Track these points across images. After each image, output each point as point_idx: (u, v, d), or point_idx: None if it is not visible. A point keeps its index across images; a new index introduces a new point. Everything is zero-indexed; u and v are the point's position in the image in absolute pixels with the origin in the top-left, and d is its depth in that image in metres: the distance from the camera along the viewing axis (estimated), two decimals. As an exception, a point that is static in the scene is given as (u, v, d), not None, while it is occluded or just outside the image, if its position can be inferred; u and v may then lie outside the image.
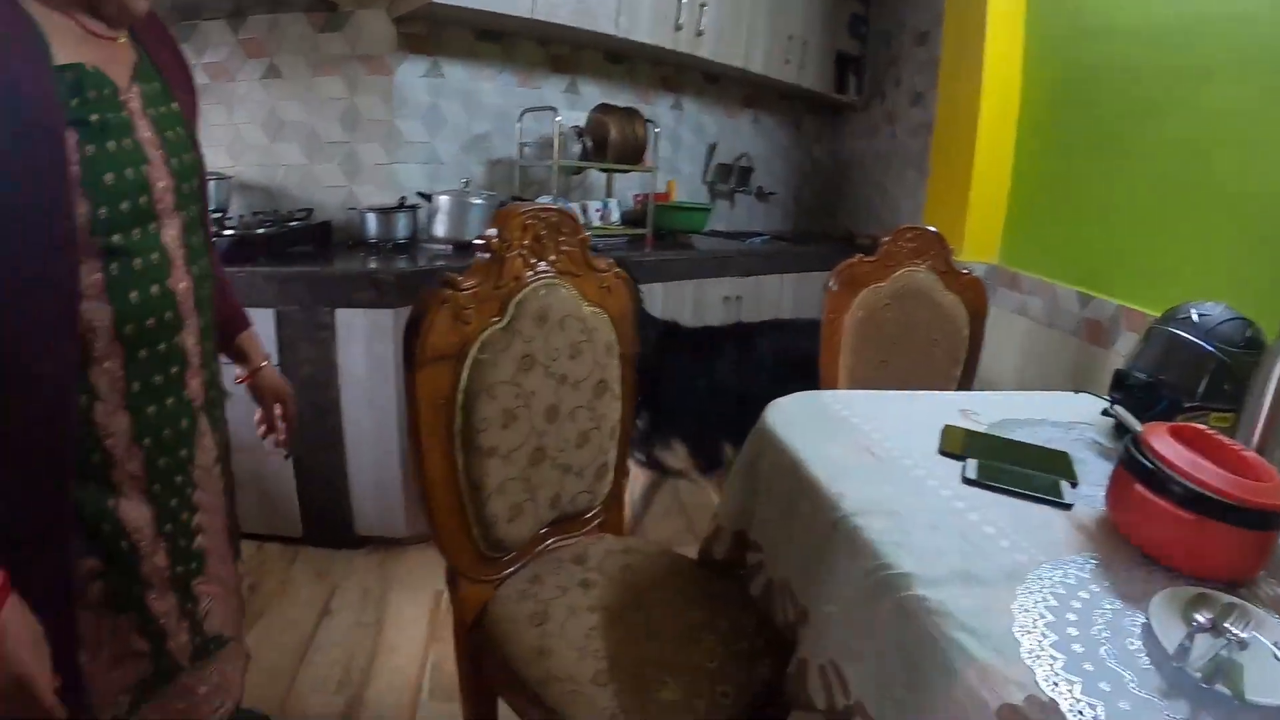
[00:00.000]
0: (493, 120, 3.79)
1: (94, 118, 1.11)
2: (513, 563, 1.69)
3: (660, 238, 4.03)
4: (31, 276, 1.06)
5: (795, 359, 2.88)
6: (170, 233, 1.25)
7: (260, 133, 3.51)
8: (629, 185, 4.32)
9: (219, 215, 3.13)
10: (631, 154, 3.79)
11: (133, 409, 1.22)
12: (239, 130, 3.49)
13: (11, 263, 1.03)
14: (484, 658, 1.58)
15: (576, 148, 3.71)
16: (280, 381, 1.75)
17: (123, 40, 1.21)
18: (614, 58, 4.12)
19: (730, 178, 4.74)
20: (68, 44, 1.10)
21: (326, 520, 3.01)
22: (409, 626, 2.63)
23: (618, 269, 1.75)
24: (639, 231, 3.91)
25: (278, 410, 1.75)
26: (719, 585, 1.66)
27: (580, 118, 3.87)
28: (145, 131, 1.20)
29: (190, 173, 1.29)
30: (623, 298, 1.77)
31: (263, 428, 1.76)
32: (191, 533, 1.36)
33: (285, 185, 3.53)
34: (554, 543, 1.80)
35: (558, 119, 3.47)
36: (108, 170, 1.12)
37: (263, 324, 2.74)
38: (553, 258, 1.60)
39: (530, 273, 1.56)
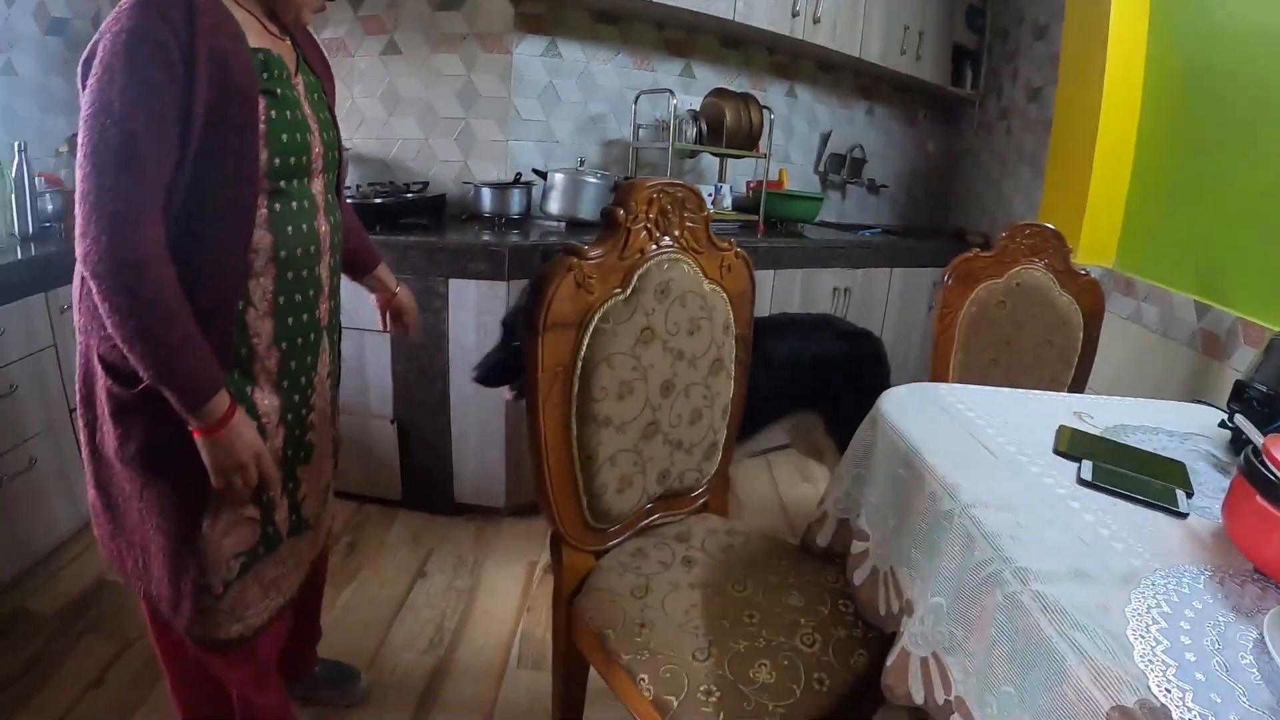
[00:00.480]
0: (608, 101, 3.81)
1: (278, 91, 1.43)
2: (616, 535, 1.70)
3: (770, 225, 4.00)
4: (226, 202, 1.37)
5: (803, 360, 2.79)
6: (317, 187, 1.57)
7: (379, 107, 3.59)
8: (741, 171, 4.30)
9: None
10: (746, 139, 3.77)
11: (276, 317, 1.51)
12: (357, 104, 3.59)
13: (215, 189, 1.35)
14: (581, 626, 1.59)
15: (691, 131, 3.69)
16: (411, 299, 2.18)
17: (286, 41, 1.53)
18: (729, 42, 4.10)
19: (842, 169, 4.67)
20: (254, 34, 1.41)
21: (426, 486, 3.07)
22: (501, 595, 2.67)
23: (739, 249, 1.74)
24: (750, 218, 3.89)
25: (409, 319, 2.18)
26: (820, 572, 1.65)
27: (693, 102, 3.87)
28: (307, 109, 1.51)
29: (333, 146, 1.62)
30: (742, 278, 1.76)
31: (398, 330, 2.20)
32: (306, 427, 1.66)
33: (401, 158, 3.60)
34: (658, 518, 1.81)
35: (674, 101, 3.46)
36: (284, 131, 1.44)
37: None
38: (676, 233, 1.59)
39: (654, 246, 1.56)
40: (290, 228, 1.48)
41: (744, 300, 1.78)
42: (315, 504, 1.76)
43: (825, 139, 4.64)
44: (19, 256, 2.61)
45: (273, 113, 1.41)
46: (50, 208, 3.02)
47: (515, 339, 2.33)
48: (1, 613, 2.49)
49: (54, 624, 2.47)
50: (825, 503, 1.72)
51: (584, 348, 1.48)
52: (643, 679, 1.39)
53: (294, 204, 1.49)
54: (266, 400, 1.53)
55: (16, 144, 2.80)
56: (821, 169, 4.67)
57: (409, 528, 3.07)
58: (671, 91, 3.51)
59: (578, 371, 1.48)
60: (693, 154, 3.97)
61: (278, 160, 1.42)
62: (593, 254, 1.46)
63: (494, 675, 2.30)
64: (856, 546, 1.54)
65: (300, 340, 1.58)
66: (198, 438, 1.38)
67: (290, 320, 1.54)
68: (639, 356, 1.55)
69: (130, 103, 1.23)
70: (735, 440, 2.69)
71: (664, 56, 3.93)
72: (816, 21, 3.79)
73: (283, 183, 1.46)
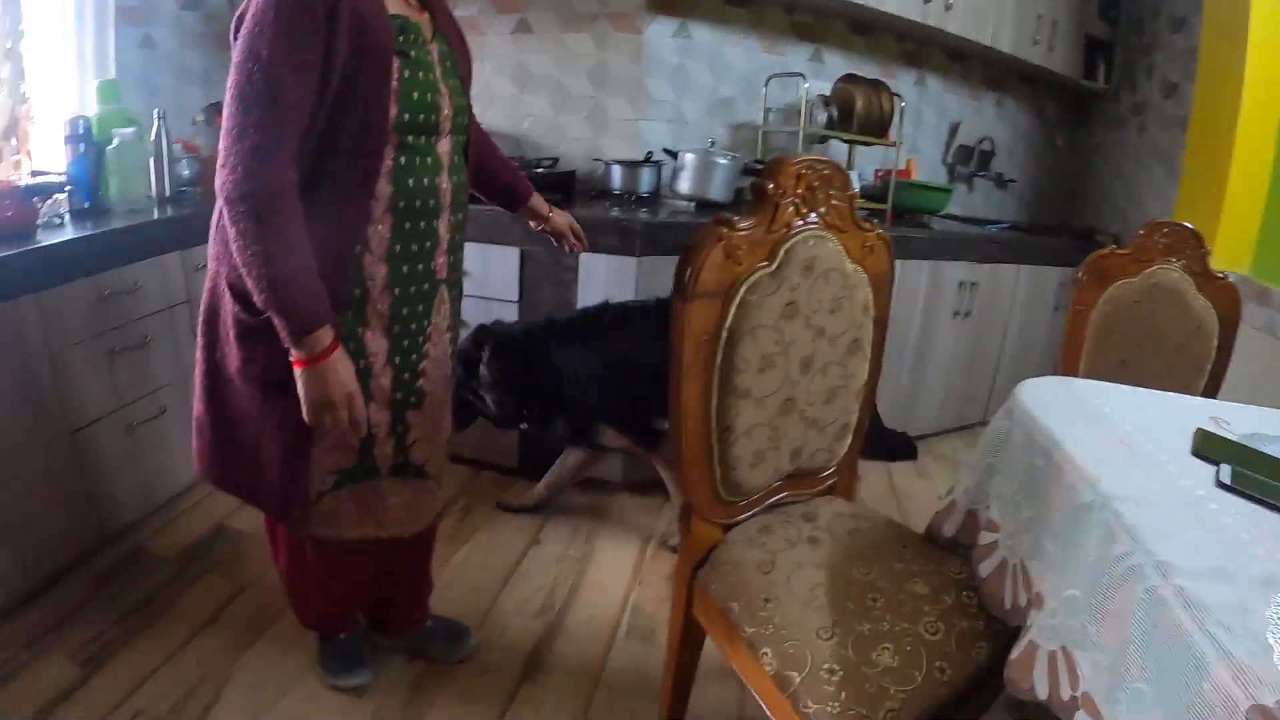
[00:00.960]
0: (738, 84, 3.79)
1: (412, 54, 1.56)
2: (744, 510, 1.71)
3: (898, 215, 3.93)
4: (355, 150, 1.52)
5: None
6: (444, 147, 1.68)
7: (509, 84, 3.66)
8: (869, 159, 4.24)
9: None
10: (875, 127, 3.72)
11: (390, 264, 1.64)
12: (489, 81, 3.66)
13: (346, 137, 1.50)
14: (703, 598, 1.62)
15: (821, 116, 3.66)
16: (567, 217, 2.34)
17: (425, 14, 1.66)
18: (859, 28, 4.04)
19: (970, 161, 4.57)
20: (394, 3, 1.56)
21: (543, 455, 3.10)
22: (613, 567, 2.70)
23: (880, 230, 1.73)
24: (879, 206, 3.83)
25: (573, 236, 2.35)
26: (944, 562, 1.63)
27: (822, 87, 3.82)
28: (438, 74, 1.63)
29: (462, 112, 1.73)
30: (882, 260, 1.75)
31: (567, 247, 2.37)
32: (417, 373, 1.77)
33: (531, 135, 3.66)
34: (785, 496, 1.81)
35: (805, 85, 3.44)
36: (415, 90, 1.56)
37: (507, 262, 2.88)
38: (823, 210, 1.59)
39: (800, 222, 1.55)
40: (411, 181, 1.61)
41: (883, 283, 1.77)
42: (429, 452, 1.87)
43: (954, 130, 4.54)
44: (156, 217, 2.77)
45: (405, 72, 1.54)
46: (186, 173, 3.22)
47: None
48: (123, 552, 2.63)
49: (173, 565, 2.60)
50: (954, 492, 1.70)
51: (729, 318, 1.48)
52: (765, 653, 1.41)
53: (418, 159, 1.62)
54: (376, 342, 1.68)
55: (156, 111, 2.96)
56: (949, 160, 4.58)
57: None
58: (803, 75, 3.49)
59: (722, 341, 1.49)
60: (822, 139, 3.92)
61: (406, 116, 1.55)
62: (742, 225, 1.46)
63: (602, 645, 2.33)
64: (985, 537, 1.52)
65: (413, 289, 1.70)
66: (297, 369, 1.52)
67: (404, 269, 1.67)
68: (781, 330, 1.55)
69: (276, 51, 1.39)
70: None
71: (793, 41, 3.89)
72: (949, 8, 3.70)
73: (410, 138, 1.59)
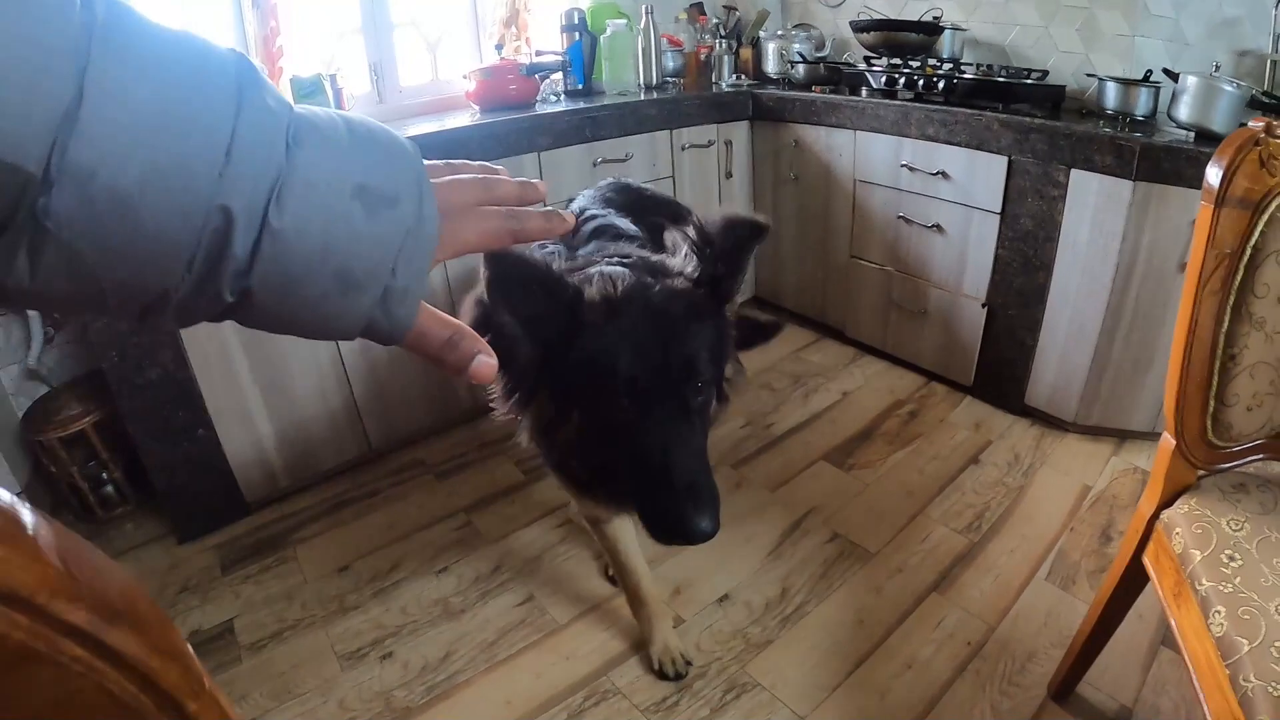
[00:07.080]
0: (1245, 3, 3.29)
1: None
2: (1223, 459, 1.55)
3: None
4: None
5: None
6: None
7: (997, -12, 3.46)
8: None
9: (951, 63, 3.29)
10: None
11: None
12: (971, -16, 3.50)
13: None
14: (1159, 542, 1.52)
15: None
16: None
17: None
18: None
19: None
20: None
21: (999, 380, 3.07)
22: (1047, 506, 2.59)
23: None
24: None
25: None
26: None
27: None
28: None
29: None
30: None
31: None
32: None
33: (1018, 45, 3.44)
34: (1262, 458, 1.61)
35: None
36: None
37: (993, 170, 2.81)
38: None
39: (1335, 140, 1.35)
40: None
41: None
42: None
43: None
44: (643, 99, 3.12)
45: None
46: (671, 65, 3.56)
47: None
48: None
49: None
50: None
51: (1255, 234, 1.33)
52: (1218, 611, 1.29)
53: None
54: None
55: (645, 6, 3.29)
56: None
57: (971, 415, 3.11)
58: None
59: (1244, 260, 1.34)
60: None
61: None
62: (1280, 132, 1.30)
63: (1019, 579, 2.28)
64: None
65: None
66: None
67: None
68: (1309, 261, 1.37)
69: None
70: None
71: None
72: None
73: None
